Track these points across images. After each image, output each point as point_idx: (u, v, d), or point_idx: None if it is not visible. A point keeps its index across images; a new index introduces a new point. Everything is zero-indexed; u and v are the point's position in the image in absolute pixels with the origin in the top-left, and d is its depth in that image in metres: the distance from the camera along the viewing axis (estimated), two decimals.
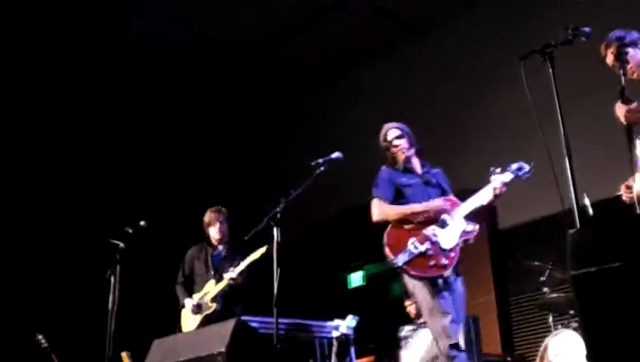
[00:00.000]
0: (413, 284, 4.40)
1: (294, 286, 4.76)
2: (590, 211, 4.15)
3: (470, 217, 4.53)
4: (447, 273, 4.38)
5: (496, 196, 4.54)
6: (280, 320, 4.33)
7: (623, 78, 3.58)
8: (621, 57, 3.63)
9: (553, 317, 5.94)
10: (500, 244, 7.86)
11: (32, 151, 9.16)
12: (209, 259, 6.00)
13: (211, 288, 5.81)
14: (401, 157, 4.75)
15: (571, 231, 2.65)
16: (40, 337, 7.14)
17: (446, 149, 8.29)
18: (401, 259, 4.31)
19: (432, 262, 4.34)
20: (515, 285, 7.52)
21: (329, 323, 5.32)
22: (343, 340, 5.30)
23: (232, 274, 5.63)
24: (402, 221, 4.49)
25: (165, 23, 7.98)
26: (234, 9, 7.86)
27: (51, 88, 8.67)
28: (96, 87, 8.85)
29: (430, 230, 4.42)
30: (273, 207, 4.51)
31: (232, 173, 10.32)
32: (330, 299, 8.72)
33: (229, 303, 5.76)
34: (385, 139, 4.83)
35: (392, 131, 4.83)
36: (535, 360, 5.70)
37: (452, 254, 4.41)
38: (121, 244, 5.35)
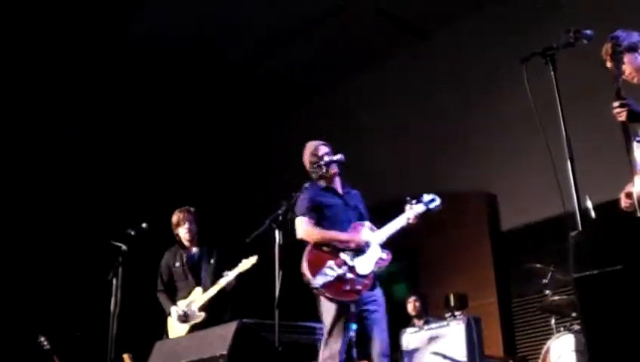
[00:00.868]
0: (326, 306, 4.45)
1: (296, 288, 4.74)
2: (592, 214, 4.15)
3: (383, 246, 4.64)
4: (358, 298, 4.46)
5: (409, 225, 4.68)
6: (282, 323, 4.33)
7: (618, 79, 3.56)
8: (616, 56, 3.62)
9: (555, 319, 5.93)
10: (503, 246, 7.86)
11: (34, 153, 9.16)
12: (185, 263, 5.86)
13: (198, 296, 5.68)
14: (330, 173, 4.78)
15: (573, 233, 2.65)
16: (42, 339, 7.14)
17: (447, 152, 8.32)
18: (319, 281, 4.38)
19: (348, 287, 4.43)
20: (517, 287, 7.52)
21: None
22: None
23: (227, 278, 5.53)
24: (323, 244, 4.55)
25: (165, 24, 7.99)
26: (235, 11, 7.86)
27: (54, 90, 8.68)
28: (99, 91, 8.85)
29: (348, 255, 4.51)
30: (275, 209, 4.52)
31: (233, 175, 10.33)
32: None
33: (216, 310, 5.63)
34: (315, 154, 4.84)
35: (322, 148, 4.86)
36: None
37: (366, 281, 4.50)
38: (123, 246, 5.33)
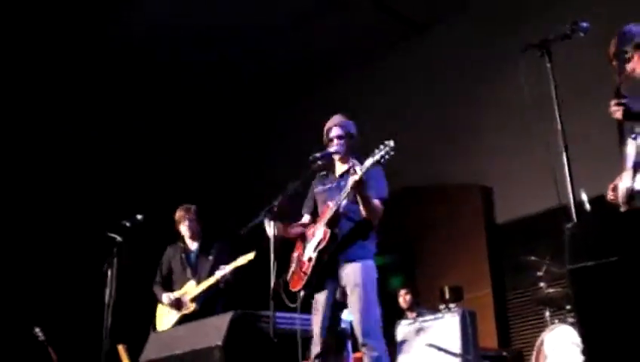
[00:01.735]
0: None
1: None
2: (587, 206, 4.16)
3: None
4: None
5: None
6: (277, 314, 4.32)
7: (620, 76, 3.57)
8: (620, 56, 3.62)
9: (550, 312, 5.95)
10: (498, 239, 7.87)
11: (29, 145, 9.14)
12: (184, 258, 5.97)
13: (191, 288, 5.75)
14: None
15: (569, 225, 2.65)
16: (37, 330, 7.14)
17: (445, 146, 8.31)
18: None
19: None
20: (511, 280, 7.54)
21: None
22: (340, 334, 5.31)
23: (222, 271, 5.58)
24: None
25: (165, 23, 7.96)
26: (234, 7, 7.83)
27: (49, 84, 8.65)
28: (95, 84, 8.82)
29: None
30: (270, 201, 4.50)
31: (230, 169, 10.33)
32: None
33: (208, 303, 5.68)
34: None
35: (329, 130, 4.61)
36: (531, 354, 5.71)
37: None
38: (119, 238, 5.34)
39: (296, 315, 4.31)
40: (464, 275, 7.51)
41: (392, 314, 6.51)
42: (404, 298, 7.04)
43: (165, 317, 5.81)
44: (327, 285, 4.32)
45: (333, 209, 4.29)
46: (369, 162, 4.11)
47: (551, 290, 5.83)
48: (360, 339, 4.16)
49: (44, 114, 9.00)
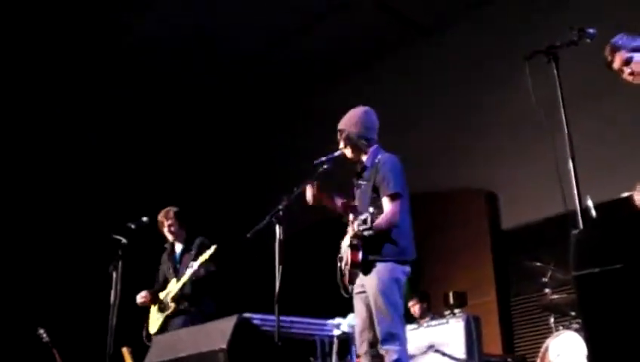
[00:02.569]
0: None
1: (296, 283, 4.75)
2: (593, 212, 4.15)
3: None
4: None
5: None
6: (281, 318, 4.33)
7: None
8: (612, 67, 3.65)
9: (554, 318, 5.93)
10: (503, 245, 7.86)
11: (34, 147, 9.16)
12: (171, 259, 6.02)
13: (173, 287, 5.78)
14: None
15: (574, 232, 2.65)
16: (41, 331, 7.15)
17: (448, 151, 8.31)
18: None
19: None
20: (516, 286, 7.53)
21: (330, 322, 5.32)
22: (344, 338, 5.31)
23: (192, 269, 5.57)
24: None
25: (166, 23, 7.98)
26: (237, 8, 7.84)
27: (54, 86, 8.67)
28: (99, 86, 8.84)
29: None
30: (276, 204, 4.51)
31: (234, 171, 10.33)
32: (331, 297, 8.71)
33: (191, 300, 5.70)
34: None
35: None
36: (536, 361, 5.70)
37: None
38: (124, 240, 5.36)
39: (300, 319, 4.31)
40: (469, 281, 7.50)
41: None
42: (413, 309, 7.04)
43: (153, 319, 5.87)
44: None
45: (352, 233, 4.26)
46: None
47: (556, 296, 5.82)
48: (378, 344, 4.16)
49: (50, 117, 9.02)
